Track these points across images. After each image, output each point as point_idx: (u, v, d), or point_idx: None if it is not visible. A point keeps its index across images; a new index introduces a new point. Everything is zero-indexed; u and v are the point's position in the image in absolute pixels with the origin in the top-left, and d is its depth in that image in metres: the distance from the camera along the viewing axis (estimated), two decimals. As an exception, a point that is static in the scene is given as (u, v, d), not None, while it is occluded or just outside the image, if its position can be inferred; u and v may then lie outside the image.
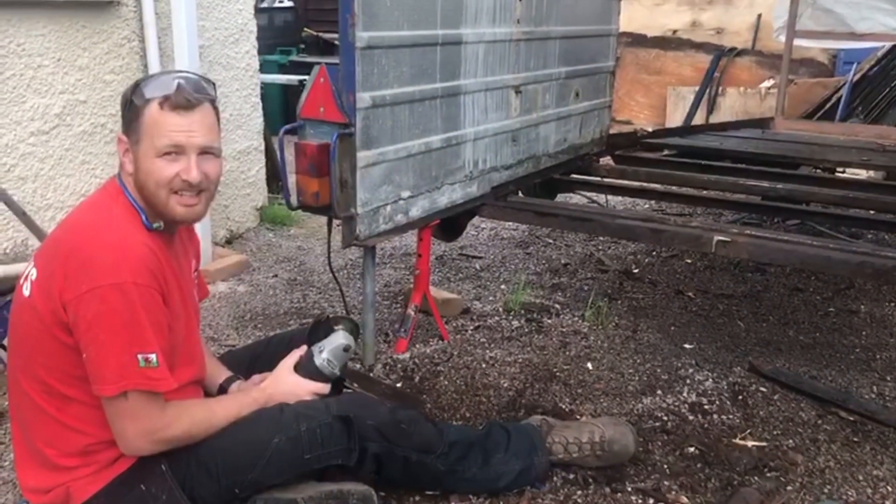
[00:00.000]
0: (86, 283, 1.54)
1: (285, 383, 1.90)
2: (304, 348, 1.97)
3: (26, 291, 1.66)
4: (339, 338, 1.96)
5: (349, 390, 2.18)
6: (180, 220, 1.74)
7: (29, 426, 1.70)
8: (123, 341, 1.56)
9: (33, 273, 1.66)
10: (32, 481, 1.72)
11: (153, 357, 1.58)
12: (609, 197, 4.68)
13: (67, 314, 1.56)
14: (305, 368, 1.93)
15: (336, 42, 2.38)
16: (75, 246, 1.60)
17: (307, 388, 1.90)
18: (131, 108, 1.65)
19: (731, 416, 2.55)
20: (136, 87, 1.66)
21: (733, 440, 2.41)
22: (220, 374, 2.01)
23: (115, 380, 1.56)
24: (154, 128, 1.64)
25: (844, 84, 6.48)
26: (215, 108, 1.73)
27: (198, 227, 3.61)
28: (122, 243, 1.59)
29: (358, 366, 2.81)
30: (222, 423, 1.75)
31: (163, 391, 1.62)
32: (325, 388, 1.92)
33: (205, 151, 1.69)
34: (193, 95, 1.66)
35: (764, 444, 2.40)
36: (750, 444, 2.39)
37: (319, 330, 1.99)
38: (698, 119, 7.54)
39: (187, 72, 1.74)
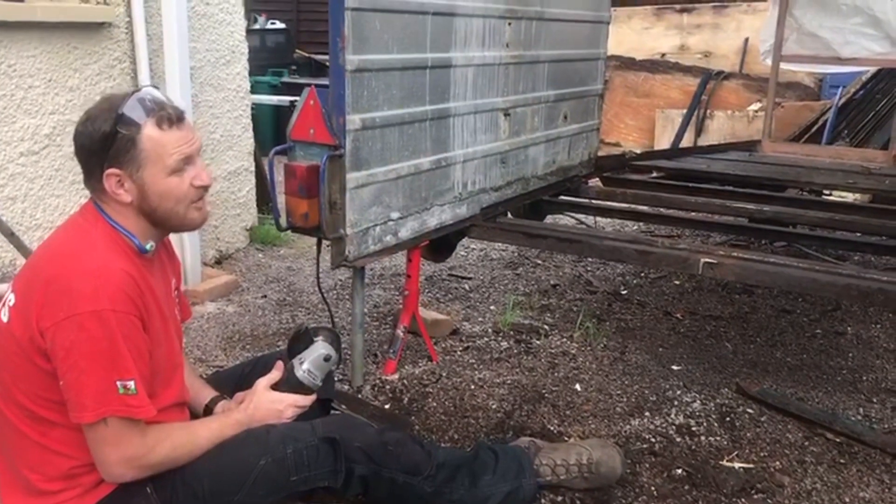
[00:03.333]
0: (64, 311, 1.53)
1: (263, 400, 1.88)
2: (280, 366, 1.95)
3: (4, 317, 1.64)
4: (319, 348, 1.94)
5: (337, 412, 2.17)
6: (199, 225, 1.79)
7: (11, 451, 1.68)
8: (102, 368, 1.54)
9: (11, 298, 1.64)
10: (17, 506, 1.70)
11: (131, 384, 1.57)
12: (597, 219, 4.70)
13: (45, 341, 1.55)
14: (287, 382, 1.91)
15: (328, 64, 2.39)
16: (54, 272, 1.58)
17: (287, 402, 1.88)
18: (119, 139, 1.61)
19: (718, 438, 2.56)
20: (119, 118, 1.61)
21: (720, 462, 2.42)
22: (205, 394, 2.00)
23: (95, 406, 1.55)
24: (160, 149, 1.64)
25: (830, 107, 6.55)
26: None
27: (187, 247, 3.66)
28: (101, 270, 1.57)
29: (346, 387, 2.80)
30: (205, 446, 1.74)
31: (142, 418, 1.61)
32: (306, 399, 1.91)
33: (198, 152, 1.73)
34: (174, 104, 1.69)
35: (751, 465, 2.40)
36: (737, 465, 2.40)
37: (300, 342, 1.97)
38: (686, 141, 7.59)
39: (135, 90, 1.71)
